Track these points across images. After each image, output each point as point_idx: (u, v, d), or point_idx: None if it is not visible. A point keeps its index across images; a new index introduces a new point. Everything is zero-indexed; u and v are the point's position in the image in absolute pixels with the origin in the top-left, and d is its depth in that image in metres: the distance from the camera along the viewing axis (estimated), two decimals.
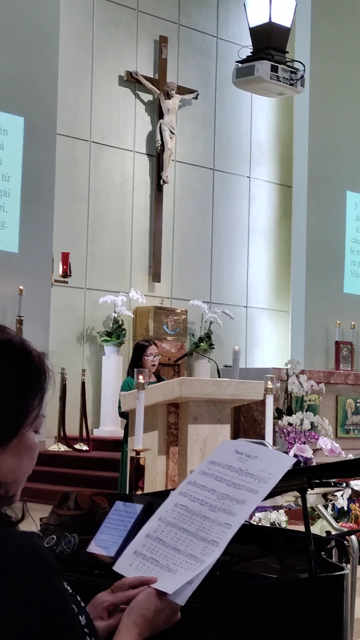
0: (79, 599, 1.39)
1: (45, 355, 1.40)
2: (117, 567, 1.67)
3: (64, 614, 1.28)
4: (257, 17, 10.34)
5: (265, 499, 2.88)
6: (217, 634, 2.13)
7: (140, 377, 5.79)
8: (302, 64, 10.59)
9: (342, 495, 6.26)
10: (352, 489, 6.41)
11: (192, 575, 1.55)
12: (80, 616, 1.36)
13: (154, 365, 7.69)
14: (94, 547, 2.44)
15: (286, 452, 7.00)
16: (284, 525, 5.58)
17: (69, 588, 1.33)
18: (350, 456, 6.87)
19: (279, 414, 8.20)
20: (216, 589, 2.14)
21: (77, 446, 10.08)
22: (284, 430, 7.74)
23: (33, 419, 1.36)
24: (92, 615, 1.51)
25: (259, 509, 5.07)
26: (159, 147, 12.07)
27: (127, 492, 5.91)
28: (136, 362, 7.63)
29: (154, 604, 1.53)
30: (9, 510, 1.34)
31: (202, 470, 1.75)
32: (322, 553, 2.61)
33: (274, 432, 7.42)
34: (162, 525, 1.67)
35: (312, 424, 7.75)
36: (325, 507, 4.85)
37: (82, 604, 1.41)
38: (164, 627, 1.54)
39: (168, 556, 1.59)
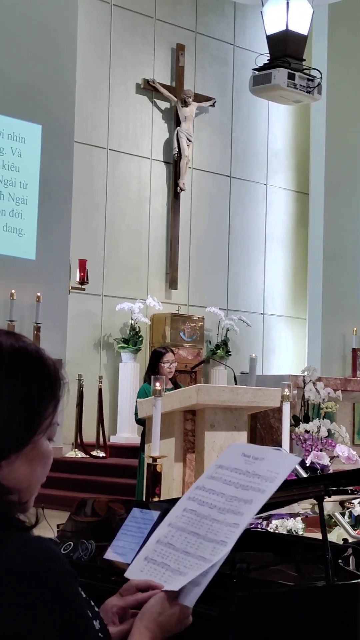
0: (92, 604, 1.40)
1: (60, 363, 1.42)
2: (129, 574, 1.68)
3: (79, 619, 1.29)
4: (274, 25, 10.35)
5: (283, 505, 2.88)
6: None
7: (157, 384, 5.80)
8: (319, 71, 10.59)
9: (359, 503, 6.23)
10: None
11: (201, 576, 1.56)
12: (94, 621, 1.37)
13: (170, 372, 7.69)
14: (110, 554, 2.44)
15: (303, 460, 6.98)
16: (300, 532, 5.56)
17: (83, 593, 1.34)
18: None
19: (295, 421, 8.18)
20: (233, 596, 2.15)
21: (94, 453, 10.09)
22: (301, 438, 7.72)
23: (47, 426, 1.38)
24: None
25: (276, 516, 5.06)
26: (176, 155, 12.10)
27: (144, 499, 5.92)
28: (153, 369, 7.64)
29: (165, 608, 1.53)
30: (22, 515, 1.35)
31: (210, 474, 1.76)
32: (339, 561, 2.60)
33: (291, 439, 7.40)
34: (172, 531, 1.68)
35: (329, 431, 7.73)
36: (342, 514, 4.84)
37: (96, 609, 1.42)
38: (176, 631, 1.55)
39: (179, 559, 1.60)
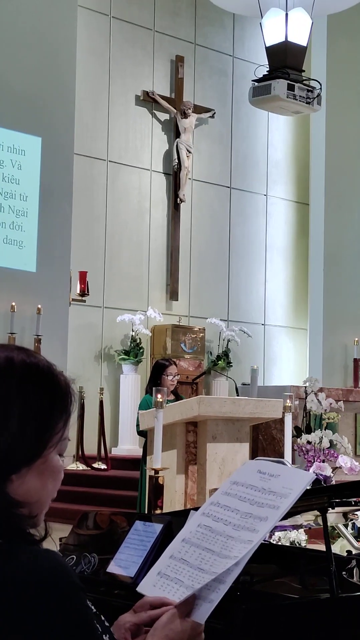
0: (102, 618, 1.40)
1: (71, 380, 1.45)
2: (141, 589, 1.67)
3: (87, 633, 1.29)
4: (273, 36, 10.38)
5: (286, 517, 2.87)
6: None
7: (159, 395, 5.79)
8: (318, 82, 10.61)
9: None
10: None
11: (212, 592, 1.56)
12: (104, 635, 1.37)
13: (173, 384, 7.68)
14: (113, 567, 2.43)
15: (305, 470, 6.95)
16: (303, 544, 5.54)
17: (92, 607, 1.34)
18: None
19: (297, 432, 8.17)
20: (237, 609, 2.13)
21: (95, 465, 10.06)
22: (303, 449, 7.70)
23: (57, 441, 1.40)
24: (116, 636, 1.51)
25: (279, 528, 5.04)
26: (176, 166, 12.11)
27: (146, 511, 5.90)
28: (155, 380, 7.62)
29: (178, 625, 1.53)
30: (31, 529, 1.36)
31: (225, 490, 1.76)
32: (343, 573, 2.59)
33: (293, 450, 7.37)
34: (186, 546, 1.67)
35: (331, 442, 7.71)
36: (346, 526, 4.81)
37: (107, 624, 1.42)
38: None
39: (193, 576, 1.60)
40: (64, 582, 1.28)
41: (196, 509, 1.91)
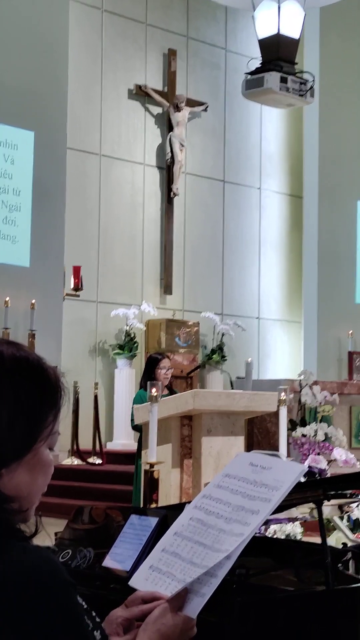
0: (93, 614, 1.39)
1: (61, 373, 1.43)
2: (133, 582, 1.66)
3: (78, 630, 1.28)
4: (265, 29, 10.36)
5: (281, 510, 2.87)
6: None
7: (153, 389, 5.78)
8: (311, 74, 10.60)
9: (357, 507, 6.22)
10: None
11: (204, 586, 1.55)
12: (95, 631, 1.36)
13: (166, 378, 7.67)
14: (109, 562, 2.42)
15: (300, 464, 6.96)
16: (299, 537, 5.55)
17: (83, 603, 1.33)
18: None
19: (292, 425, 8.17)
20: (233, 602, 2.13)
21: (90, 460, 10.06)
22: (298, 442, 7.70)
23: (47, 434, 1.39)
24: (107, 631, 1.50)
25: (274, 521, 5.04)
26: (169, 160, 12.09)
27: (142, 506, 5.89)
28: (149, 374, 7.62)
29: (169, 619, 1.52)
30: (22, 525, 1.35)
31: (217, 483, 1.75)
32: (339, 565, 2.59)
33: (288, 443, 7.38)
34: (178, 540, 1.67)
35: (326, 434, 7.72)
36: (341, 518, 4.82)
37: (97, 619, 1.41)
38: None
39: (185, 570, 1.59)
40: (53, 579, 1.27)
41: (191, 502, 1.91)
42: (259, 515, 1.63)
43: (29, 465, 1.36)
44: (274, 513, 2.90)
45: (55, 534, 2.81)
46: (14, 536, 1.32)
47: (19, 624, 1.23)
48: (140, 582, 1.63)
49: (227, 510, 1.67)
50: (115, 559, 2.39)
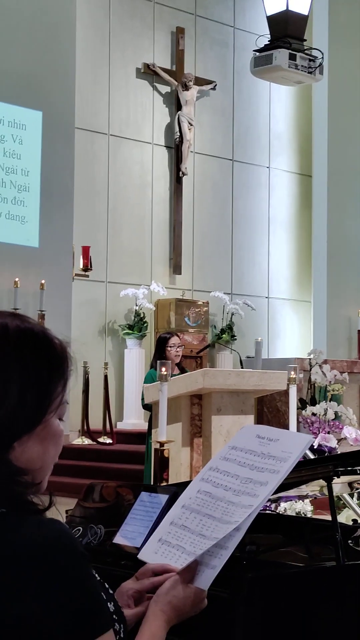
0: (107, 586, 1.40)
1: (67, 342, 1.43)
2: (142, 555, 1.67)
3: (93, 601, 1.29)
4: (274, 6, 10.28)
5: (291, 487, 2.87)
6: (245, 622, 2.13)
7: (163, 369, 5.79)
8: (320, 51, 10.52)
9: None
10: None
11: (215, 558, 1.56)
12: (108, 603, 1.37)
13: (177, 355, 7.68)
14: (119, 539, 2.44)
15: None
16: (309, 515, 5.55)
17: (97, 575, 1.34)
18: None
19: (302, 404, 8.17)
20: (243, 578, 2.14)
21: (100, 439, 10.10)
22: (308, 421, 7.71)
23: (57, 405, 1.39)
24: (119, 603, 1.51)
25: (284, 498, 5.05)
26: (178, 139, 12.04)
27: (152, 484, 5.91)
28: (160, 354, 7.63)
29: (180, 591, 1.54)
30: (35, 498, 1.36)
31: (224, 455, 1.75)
32: (349, 541, 2.59)
33: (298, 422, 7.39)
34: (186, 513, 1.67)
35: (336, 413, 7.72)
36: (351, 495, 4.82)
37: (111, 592, 1.43)
38: (192, 614, 1.55)
39: (194, 542, 1.59)
40: (69, 551, 1.28)
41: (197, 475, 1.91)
42: (268, 486, 1.63)
43: (40, 436, 1.37)
44: (284, 490, 2.91)
45: (66, 511, 2.82)
46: (28, 509, 1.33)
47: (35, 596, 1.24)
48: (150, 555, 1.64)
49: (235, 482, 1.67)
50: (126, 536, 2.40)
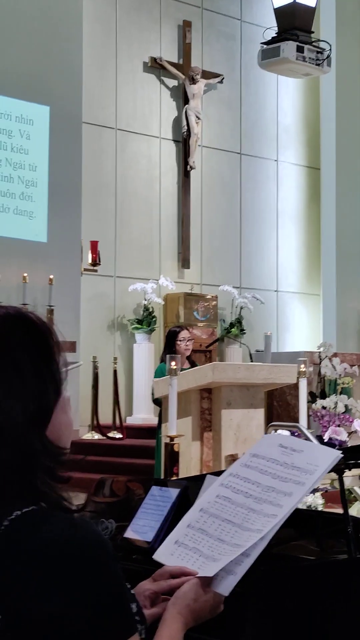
0: (128, 586, 1.40)
1: (37, 314, 1.46)
2: (158, 556, 1.66)
3: (122, 604, 1.31)
4: None
5: None
6: (256, 616, 2.12)
7: (173, 363, 5.78)
8: (328, 43, 10.48)
9: None
10: None
11: (236, 565, 1.55)
12: (131, 604, 1.39)
13: (187, 349, 7.67)
14: (130, 533, 2.43)
15: (320, 436, 6.96)
16: (320, 508, 5.54)
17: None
18: None
19: (312, 397, 8.16)
20: (254, 571, 2.13)
21: (110, 434, 10.10)
22: (318, 414, 7.69)
23: (65, 373, 1.45)
24: None
25: None
26: (185, 133, 12.02)
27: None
28: (170, 348, 7.62)
29: (199, 595, 1.54)
30: (65, 494, 1.40)
31: (245, 462, 1.73)
32: None
33: (308, 415, 7.37)
34: (204, 516, 1.66)
35: (346, 406, 7.70)
36: None
37: (132, 592, 1.43)
38: (208, 618, 1.56)
39: (212, 546, 1.59)
40: (102, 554, 1.30)
41: (212, 473, 1.90)
42: (293, 497, 1.62)
43: (60, 405, 1.42)
44: None
45: (77, 506, 2.82)
46: (60, 508, 1.36)
47: (67, 596, 1.26)
48: (166, 556, 1.63)
49: (256, 490, 1.65)
50: (137, 530, 2.40)
